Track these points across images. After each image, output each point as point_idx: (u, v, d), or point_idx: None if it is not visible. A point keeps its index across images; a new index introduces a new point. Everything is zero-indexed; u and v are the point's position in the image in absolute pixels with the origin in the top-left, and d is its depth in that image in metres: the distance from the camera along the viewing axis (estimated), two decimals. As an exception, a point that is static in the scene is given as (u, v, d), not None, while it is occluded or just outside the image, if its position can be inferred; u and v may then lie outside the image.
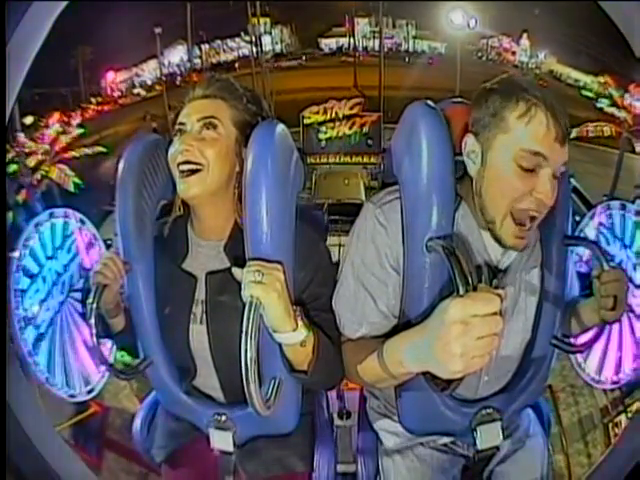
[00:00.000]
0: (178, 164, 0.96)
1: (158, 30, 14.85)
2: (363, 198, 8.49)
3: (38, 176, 11.09)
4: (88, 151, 12.59)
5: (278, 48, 19.50)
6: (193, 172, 0.95)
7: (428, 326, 0.74)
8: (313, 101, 10.67)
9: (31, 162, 11.07)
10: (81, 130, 12.73)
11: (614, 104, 11.91)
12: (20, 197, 10.19)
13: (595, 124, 11.74)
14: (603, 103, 12.30)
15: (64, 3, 0.94)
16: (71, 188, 11.22)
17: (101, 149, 12.94)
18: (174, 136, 1.00)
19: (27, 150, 10.96)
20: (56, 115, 11.98)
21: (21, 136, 10.55)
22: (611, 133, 11.77)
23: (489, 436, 1.05)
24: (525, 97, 0.87)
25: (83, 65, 16.13)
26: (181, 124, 1.00)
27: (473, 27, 14.35)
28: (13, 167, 10.20)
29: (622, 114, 11.63)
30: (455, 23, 14.18)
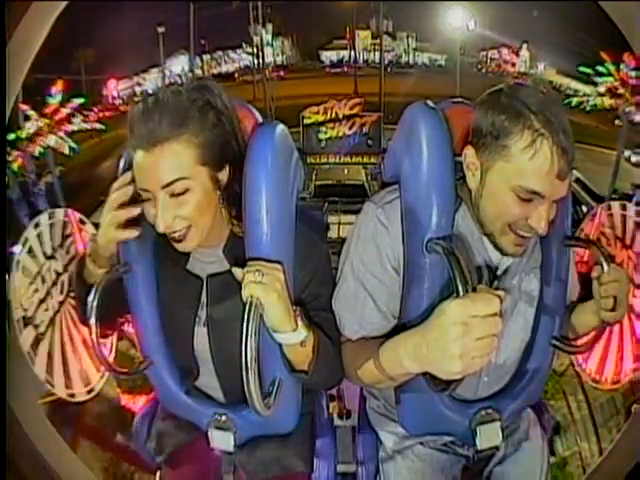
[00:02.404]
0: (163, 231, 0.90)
1: (161, 29, 14.84)
2: (363, 179, 8.63)
3: (35, 150, 11.38)
4: (87, 126, 12.83)
5: (279, 60, 19.57)
6: (182, 236, 0.91)
7: (427, 327, 0.74)
8: (315, 106, 10.69)
9: (30, 128, 11.34)
10: (81, 100, 12.90)
11: (610, 74, 12.13)
12: (15, 164, 10.41)
13: (594, 97, 11.93)
14: (601, 77, 12.51)
15: (64, 3, 0.94)
16: (66, 151, 11.90)
17: (100, 126, 13.15)
18: (140, 199, 0.89)
19: (29, 115, 11.18)
20: (59, 84, 12.08)
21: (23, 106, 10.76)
22: (611, 105, 11.98)
23: (489, 436, 1.05)
24: (533, 126, 0.83)
25: (85, 68, 16.16)
26: (144, 191, 0.87)
27: (472, 29, 14.39)
28: (12, 136, 10.37)
29: (620, 86, 11.85)
30: (454, 26, 14.21)
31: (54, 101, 11.94)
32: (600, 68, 12.36)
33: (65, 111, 12.18)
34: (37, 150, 11.57)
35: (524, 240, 0.92)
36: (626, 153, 12.46)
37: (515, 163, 0.86)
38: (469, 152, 0.92)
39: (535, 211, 0.88)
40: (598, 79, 12.68)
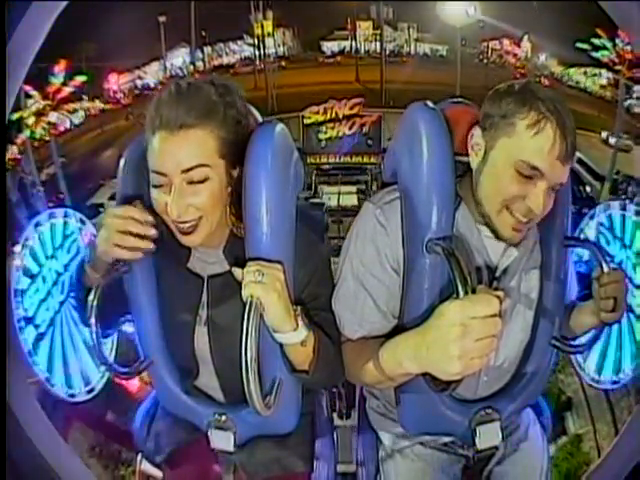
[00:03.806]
0: (173, 221, 0.90)
1: (162, 19, 14.86)
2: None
3: (37, 131, 11.59)
4: (87, 105, 12.95)
5: (280, 51, 19.55)
6: (192, 227, 0.91)
7: (427, 328, 0.74)
8: (316, 93, 10.73)
9: (31, 107, 11.75)
10: (83, 78, 13.20)
11: (606, 48, 12.54)
12: (13, 154, 10.74)
13: (593, 69, 12.30)
14: (598, 51, 12.94)
15: (64, 3, 0.94)
16: (68, 125, 12.59)
17: (100, 104, 13.28)
18: (153, 186, 0.89)
19: (31, 95, 11.50)
20: (62, 63, 12.24)
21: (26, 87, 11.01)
22: (608, 79, 12.69)
23: (488, 436, 1.05)
24: (539, 108, 0.86)
25: (86, 62, 16.15)
26: (160, 174, 0.86)
27: (472, 15, 14.48)
28: (15, 116, 10.64)
29: (616, 59, 12.20)
30: (455, 17, 14.26)
31: (57, 81, 12.14)
32: (596, 41, 12.56)
33: (67, 89, 12.45)
34: (38, 132, 11.76)
35: (521, 225, 0.93)
36: (603, 134, 12.90)
37: (518, 139, 0.88)
38: (476, 132, 0.95)
39: (533, 191, 0.89)
40: (595, 53, 12.91)
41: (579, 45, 13.67)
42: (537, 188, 0.89)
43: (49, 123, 12.28)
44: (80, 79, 13.14)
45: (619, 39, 11.94)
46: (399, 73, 16.08)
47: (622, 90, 12.38)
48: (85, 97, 13.73)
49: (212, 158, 0.88)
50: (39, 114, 12.08)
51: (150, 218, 0.89)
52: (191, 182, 0.87)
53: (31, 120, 11.84)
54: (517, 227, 0.93)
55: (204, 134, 0.87)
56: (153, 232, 0.89)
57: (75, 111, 13.11)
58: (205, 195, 0.88)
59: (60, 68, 12.28)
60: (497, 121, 0.91)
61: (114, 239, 0.87)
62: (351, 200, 7.75)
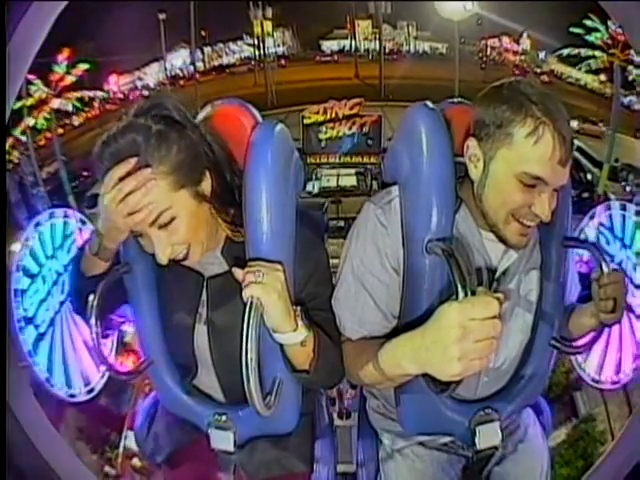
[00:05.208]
0: None
1: (162, 16, 14.90)
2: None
3: (38, 121, 11.63)
4: (89, 94, 13.10)
5: (280, 50, 19.59)
6: (185, 255, 0.91)
7: (426, 329, 0.74)
8: (316, 89, 10.74)
9: (34, 95, 11.94)
10: (86, 65, 13.33)
11: (599, 30, 12.70)
12: (17, 131, 10.83)
13: (587, 50, 12.69)
14: (591, 33, 13.07)
15: (64, 3, 0.94)
16: (70, 108, 12.70)
17: (102, 94, 13.47)
18: (133, 235, 0.89)
19: (33, 86, 11.64)
20: (65, 52, 12.33)
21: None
22: (604, 63, 12.89)
23: (488, 436, 1.05)
24: (535, 114, 0.85)
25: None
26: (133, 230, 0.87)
27: (470, 9, 14.53)
28: (18, 104, 10.75)
29: (609, 40, 12.39)
30: (454, 14, 14.28)
31: (60, 70, 12.21)
32: (589, 22, 12.62)
33: (70, 78, 12.56)
34: (39, 122, 11.86)
35: (528, 230, 0.93)
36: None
37: (518, 150, 0.87)
38: (472, 143, 0.93)
39: (538, 198, 0.89)
40: (589, 37, 12.99)
41: (572, 29, 13.60)
42: (542, 196, 0.88)
43: (51, 111, 12.35)
44: (83, 67, 13.21)
45: (611, 21, 11.96)
46: (398, 69, 16.20)
47: (617, 73, 12.32)
48: (87, 92, 13.85)
49: (169, 199, 0.84)
50: (41, 102, 12.17)
51: (134, 160, 0.80)
52: (162, 226, 0.85)
53: (33, 110, 11.95)
54: (524, 232, 0.93)
55: (155, 182, 0.82)
56: (147, 171, 0.81)
57: (77, 100, 13.21)
58: (182, 230, 0.87)
59: (63, 57, 12.36)
60: (493, 131, 0.89)
61: (122, 211, 0.81)
62: (350, 181, 7.69)
